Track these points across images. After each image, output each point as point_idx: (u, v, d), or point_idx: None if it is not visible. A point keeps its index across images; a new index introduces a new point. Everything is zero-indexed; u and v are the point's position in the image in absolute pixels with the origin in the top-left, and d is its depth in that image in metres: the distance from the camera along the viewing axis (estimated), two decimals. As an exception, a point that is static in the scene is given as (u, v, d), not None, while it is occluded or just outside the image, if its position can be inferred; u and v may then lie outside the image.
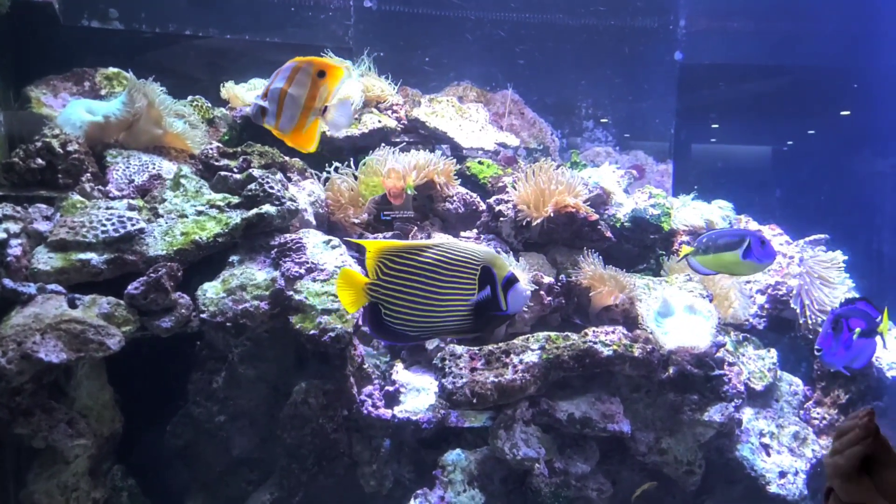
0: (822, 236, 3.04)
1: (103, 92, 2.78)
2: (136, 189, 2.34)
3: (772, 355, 2.71)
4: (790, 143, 5.51)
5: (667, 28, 4.33)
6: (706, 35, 4.46)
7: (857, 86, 4.91)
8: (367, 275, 1.63)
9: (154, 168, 2.45)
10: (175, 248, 2.16)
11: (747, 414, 2.55)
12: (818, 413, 2.68)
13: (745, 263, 2.19)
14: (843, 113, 5.18)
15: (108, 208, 2.14)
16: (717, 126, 5.22)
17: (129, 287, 2.02)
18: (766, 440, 2.51)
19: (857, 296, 2.74)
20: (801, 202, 5.27)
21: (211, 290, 2.15)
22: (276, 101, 1.69)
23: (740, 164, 5.55)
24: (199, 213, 2.29)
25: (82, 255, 2.03)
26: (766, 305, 2.88)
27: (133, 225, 2.10)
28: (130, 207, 2.18)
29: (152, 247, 2.14)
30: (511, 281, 1.64)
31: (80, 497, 1.88)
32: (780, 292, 2.84)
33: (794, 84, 4.93)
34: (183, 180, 2.38)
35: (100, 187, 2.30)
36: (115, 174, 2.35)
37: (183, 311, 2.10)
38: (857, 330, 2.16)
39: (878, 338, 2.24)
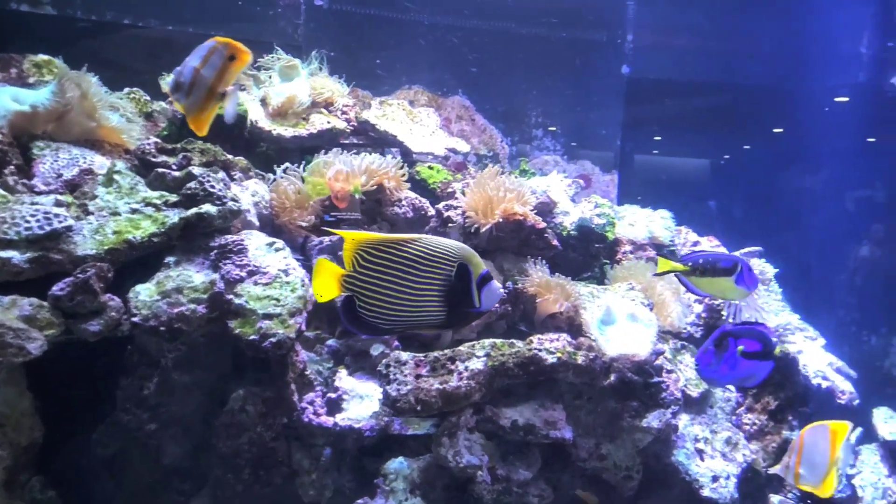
0: (756, 249, 3.16)
1: (32, 80, 2.61)
2: (65, 184, 2.22)
3: (708, 363, 2.78)
4: (727, 156, 5.74)
5: (615, 42, 4.43)
6: (652, 50, 4.59)
7: (790, 105, 5.16)
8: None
9: (85, 162, 2.32)
10: (106, 248, 2.05)
11: (683, 420, 2.61)
12: (749, 419, 2.78)
13: (737, 289, 2.28)
14: (776, 130, 5.42)
15: (32, 203, 2.01)
16: (660, 139, 5.38)
17: (54, 288, 1.90)
18: (700, 445, 2.58)
19: (757, 319, 2.89)
20: (735, 215, 5.50)
21: (144, 293, 2.06)
22: (189, 79, 1.63)
23: (681, 175, 5.75)
24: (134, 211, 2.19)
25: (2, 253, 1.90)
26: (704, 314, 2.96)
27: (60, 222, 1.98)
28: (58, 203, 2.06)
29: (81, 246, 2.02)
30: (486, 278, 1.65)
31: (-7, 512, 1.76)
32: (717, 302, 2.93)
33: (733, 101, 5.14)
34: (117, 176, 2.26)
35: (24, 181, 2.16)
36: (42, 167, 2.22)
37: (113, 314, 1.99)
38: (741, 348, 2.10)
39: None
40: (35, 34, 2.90)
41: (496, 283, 1.68)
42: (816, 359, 2.99)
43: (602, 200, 3.25)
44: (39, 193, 2.12)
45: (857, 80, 5.11)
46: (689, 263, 2.28)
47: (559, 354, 2.29)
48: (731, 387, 2.84)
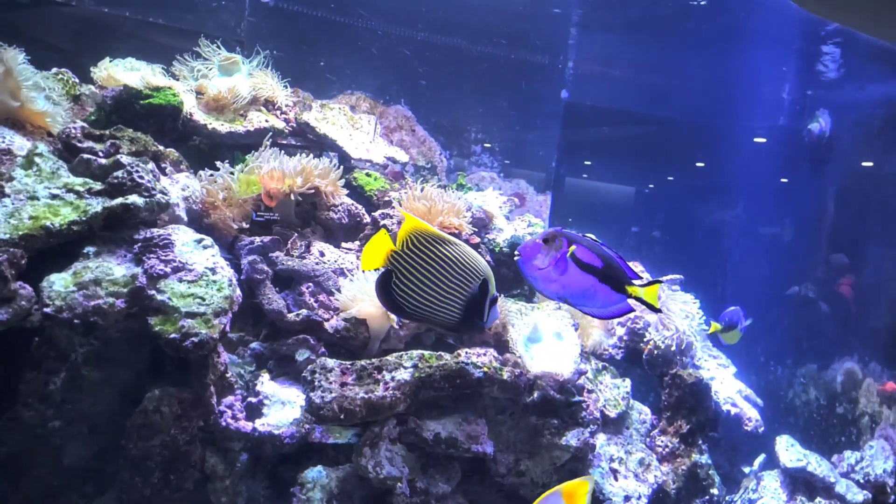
0: (677, 277, 3.31)
1: (-50, 51, 2.45)
2: (-20, 163, 2.08)
3: (626, 385, 2.89)
4: (651, 185, 6.00)
5: (557, 67, 4.57)
6: (590, 78, 4.76)
7: (713, 141, 5.46)
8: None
9: (4, 142, 2.19)
10: (21, 233, 1.94)
11: (600, 440, 2.70)
12: (662, 441, 2.90)
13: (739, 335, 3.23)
14: (698, 164, 5.72)
15: (-59, 181, 1.88)
16: (592, 163, 5.57)
17: (-41, 272, 1.78)
18: (615, 465, 2.66)
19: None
20: (657, 242, 5.75)
21: (59, 283, 1.95)
22: None
23: (610, 200, 5.97)
24: (54, 196, 2.08)
25: None
26: (625, 337, 3.08)
27: (-29, 203, 1.86)
28: (-30, 183, 1.94)
29: (-8, 229, 1.90)
30: (494, 300, 1.91)
31: None
32: (638, 326, 3.05)
33: (661, 133, 5.40)
34: (38, 159, 2.14)
35: (-67, 156, 2.03)
36: (-45, 144, 2.08)
37: (23, 303, 1.88)
38: (573, 249, 1.83)
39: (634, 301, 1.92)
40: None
41: (498, 307, 1.92)
42: (727, 386, 3.16)
43: (535, 220, 3.34)
44: (-51, 171, 1.99)
45: (777, 123, 5.47)
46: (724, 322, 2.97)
47: (486, 369, 2.33)
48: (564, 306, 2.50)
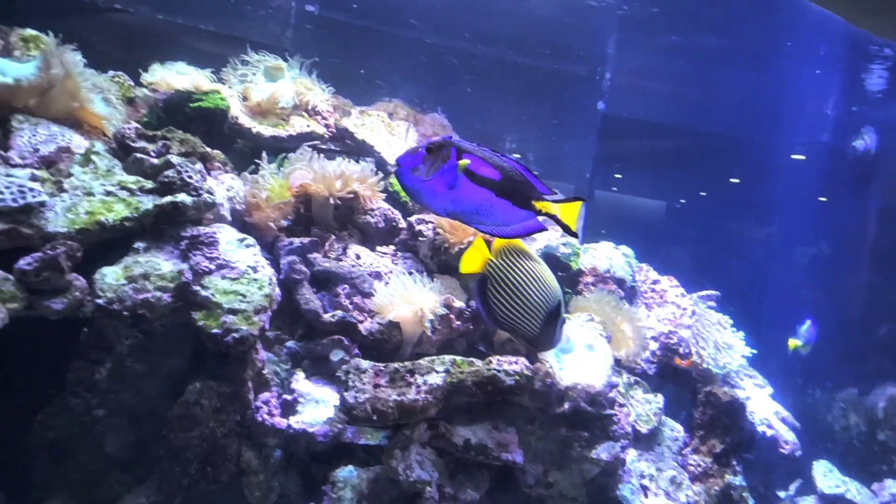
0: (713, 293, 3.28)
1: (17, 53, 2.57)
2: (42, 160, 2.18)
3: (658, 400, 2.87)
4: (683, 200, 5.92)
5: (594, 78, 4.57)
6: (628, 90, 4.75)
7: (749, 156, 5.37)
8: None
9: (64, 140, 2.29)
10: (77, 227, 2.03)
11: (631, 455, 2.68)
12: (694, 460, 2.86)
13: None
14: (732, 180, 5.64)
15: (7, 175, 1.98)
16: (626, 176, 5.53)
17: (21, 262, 1.87)
18: (645, 482, 2.64)
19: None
20: (689, 258, 5.66)
21: (111, 276, 2.03)
22: None
23: (643, 214, 5.91)
24: (108, 193, 2.16)
25: (-29, 222, 1.86)
26: (658, 352, 3.05)
27: (34, 196, 1.95)
28: (33, 178, 2.03)
29: (52, 222, 1.99)
30: (563, 322, 2.04)
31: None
32: (672, 341, 3.03)
33: (696, 146, 5.33)
34: (94, 157, 2.24)
35: (1, 153, 2.13)
36: (20, 141, 2.18)
37: (77, 293, 1.96)
38: (465, 163, 1.61)
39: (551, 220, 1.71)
40: (25, 7, 2.86)
41: (564, 330, 2.09)
42: (763, 406, 3.11)
43: (570, 231, 3.33)
44: (14, 166, 2.09)
45: (819, 140, 5.36)
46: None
47: (517, 377, 2.34)
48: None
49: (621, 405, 2.61)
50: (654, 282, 3.43)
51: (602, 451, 2.46)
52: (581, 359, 2.60)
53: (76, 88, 2.42)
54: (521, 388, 2.35)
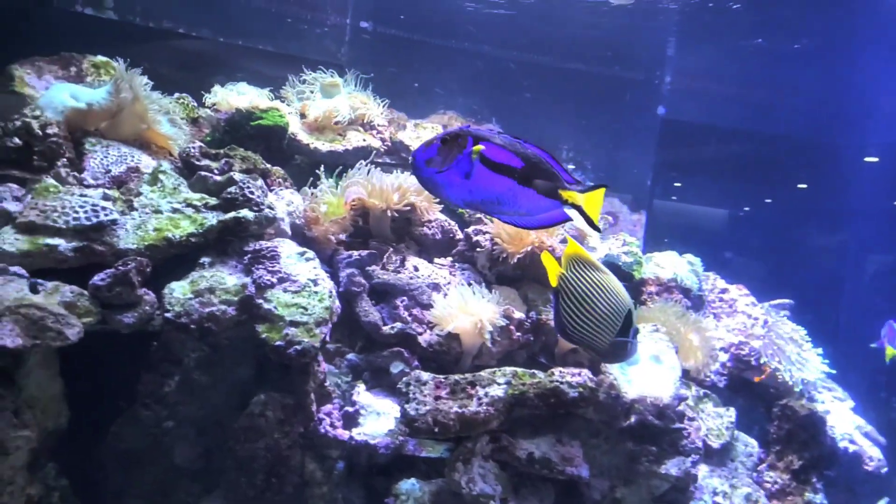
0: (787, 301, 3.12)
1: (89, 79, 2.71)
2: (113, 180, 2.28)
3: (730, 414, 2.74)
4: (746, 209, 5.69)
5: (653, 83, 4.46)
6: (688, 94, 4.61)
7: (816, 160, 5.11)
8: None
9: (133, 160, 2.39)
10: (146, 244, 2.10)
11: (702, 471, 2.56)
12: (771, 477, 2.71)
13: None
14: (800, 186, 5.37)
15: (81, 195, 2.07)
16: (688, 183, 5.36)
17: (95, 278, 1.95)
18: (718, 499, 2.52)
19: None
20: (756, 266, 5.42)
21: (178, 290, 2.09)
22: None
23: (706, 222, 5.71)
24: (175, 210, 2.24)
25: (50, 240, 1.96)
26: (729, 364, 2.92)
27: (106, 215, 2.04)
28: (105, 197, 2.12)
29: (123, 239, 2.07)
30: (636, 332, 1.98)
31: (14, 492, 1.77)
32: (743, 352, 2.89)
33: (761, 151, 5.11)
34: (161, 176, 2.32)
35: (75, 174, 2.24)
36: (93, 162, 2.29)
37: (147, 308, 2.03)
38: (478, 148, 1.55)
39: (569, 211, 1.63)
40: (95, 36, 3.01)
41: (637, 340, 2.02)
42: (844, 420, 2.93)
43: (630, 238, 3.25)
44: (88, 187, 2.19)
45: (894, 140, 5.06)
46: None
47: (580, 389, 2.27)
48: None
49: (691, 419, 2.50)
50: (723, 291, 3.30)
51: (672, 467, 2.36)
52: (647, 371, 2.51)
53: (144, 111, 2.53)
54: (584, 401, 2.28)
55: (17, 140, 2.16)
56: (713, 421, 2.70)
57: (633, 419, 2.39)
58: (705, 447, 2.56)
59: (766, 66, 4.61)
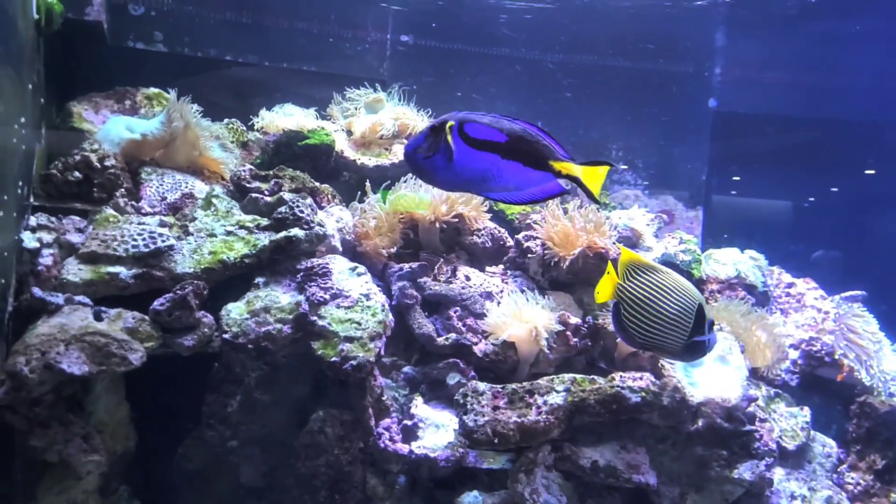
0: (859, 293, 2.95)
1: (143, 111, 2.82)
2: (168, 206, 2.35)
3: (805, 414, 2.60)
4: (811, 199, 5.41)
5: (703, 75, 4.32)
6: (741, 84, 4.45)
7: (884, 143, 4.83)
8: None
9: (187, 187, 2.46)
10: (202, 267, 2.15)
11: (778, 474, 2.44)
12: (852, 478, 2.56)
13: None
14: (867, 172, 5.09)
15: (139, 223, 2.14)
16: (746, 176, 5.15)
17: (155, 303, 2.00)
18: (796, 503, 2.39)
19: None
20: (823, 259, 5.14)
21: (235, 311, 2.13)
22: None
23: (767, 216, 5.46)
24: (229, 232, 2.29)
25: (111, 269, 2.03)
26: (800, 361, 2.78)
27: (163, 241, 2.10)
28: (162, 224, 2.19)
29: (180, 264, 2.13)
30: (711, 324, 1.92)
31: (87, 516, 1.83)
32: (815, 348, 2.75)
33: (825, 138, 4.87)
34: (214, 200, 2.38)
35: (133, 203, 2.32)
36: (149, 191, 2.37)
37: (206, 330, 2.08)
38: (450, 125, 1.54)
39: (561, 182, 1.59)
40: (147, 69, 3.13)
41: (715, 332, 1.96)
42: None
43: (687, 236, 3.14)
44: (146, 215, 2.26)
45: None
46: None
47: (643, 394, 2.20)
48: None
49: (762, 420, 2.38)
50: (789, 285, 3.14)
51: (745, 471, 2.25)
52: (712, 372, 2.42)
53: (196, 138, 2.60)
54: (648, 406, 2.20)
55: (77, 174, 2.26)
56: (786, 422, 2.57)
57: (700, 423, 2.30)
58: (780, 449, 2.44)
59: (823, 49, 4.40)
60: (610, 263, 2.01)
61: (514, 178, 1.60)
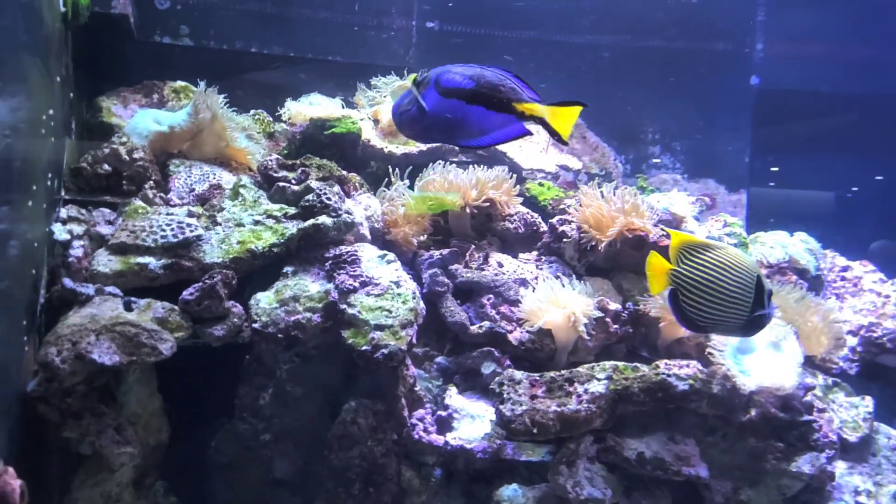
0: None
1: (170, 104, 2.81)
2: (196, 197, 2.32)
3: (867, 404, 2.45)
4: (878, 178, 5.11)
5: (743, 52, 4.14)
6: (785, 60, 4.25)
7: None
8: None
9: (214, 178, 2.43)
10: (231, 257, 2.12)
11: (839, 468, 2.29)
12: (921, 471, 2.39)
13: None
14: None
15: (168, 214, 2.12)
16: (794, 155, 4.90)
17: (185, 293, 1.97)
18: (861, 499, 2.24)
19: None
20: (888, 248, 4.86)
21: (264, 300, 2.09)
22: None
23: (820, 195, 5.18)
24: (256, 222, 2.25)
25: (141, 259, 2.01)
26: (859, 348, 2.62)
27: (192, 231, 2.07)
28: (190, 214, 2.16)
29: (209, 254, 2.10)
30: (770, 293, 1.84)
31: (120, 509, 1.81)
32: (875, 334, 2.58)
33: (879, 113, 4.60)
34: (242, 190, 2.34)
35: (161, 194, 2.30)
36: (177, 182, 2.35)
37: (235, 320, 2.04)
38: (413, 77, 1.54)
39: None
40: (174, 63, 3.13)
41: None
42: None
43: (732, 219, 3.00)
44: (174, 206, 2.23)
45: None
46: None
47: (690, 381, 2.09)
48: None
49: (821, 410, 2.24)
50: (844, 269, 2.97)
51: (804, 464, 2.12)
52: (764, 359, 2.28)
53: (223, 129, 2.57)
54: (696, 394, 2.09)
55: (106, 167, 2.25)
56: (847, 412, 2.41)
57: (753, 413, 2.17)
58: (840, 441, 2.30)
59: (872, 20, 4.17)
60: (654, 252, 1.91)
61: (478, 122, 1.61)
